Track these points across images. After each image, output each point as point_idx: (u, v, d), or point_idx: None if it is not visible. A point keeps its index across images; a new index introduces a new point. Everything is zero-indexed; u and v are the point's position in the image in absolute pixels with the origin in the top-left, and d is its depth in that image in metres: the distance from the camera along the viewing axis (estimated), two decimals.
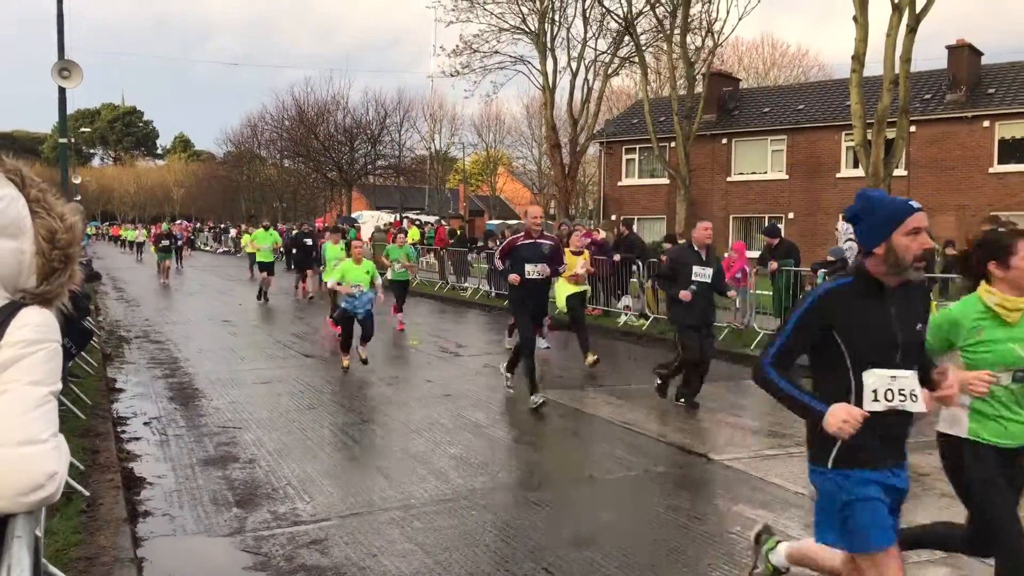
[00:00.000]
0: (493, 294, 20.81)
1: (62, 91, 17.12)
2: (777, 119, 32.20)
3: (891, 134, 20.37)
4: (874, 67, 22.61)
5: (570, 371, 11.39)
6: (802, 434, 7.39)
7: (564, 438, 7.79)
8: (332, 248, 15.49)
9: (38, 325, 1.62)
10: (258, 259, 22.61)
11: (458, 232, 29.16)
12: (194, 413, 8.43)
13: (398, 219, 39.81)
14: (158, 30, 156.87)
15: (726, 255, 16.09)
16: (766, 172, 32.35)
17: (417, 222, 37.02)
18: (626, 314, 15.58)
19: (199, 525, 5.32)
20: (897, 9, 18.95)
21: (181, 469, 6.51)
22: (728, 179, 33.08)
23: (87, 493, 5.47)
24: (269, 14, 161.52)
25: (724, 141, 33.16)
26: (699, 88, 31.06)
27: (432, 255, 27.35)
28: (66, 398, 7.57)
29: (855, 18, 19.31)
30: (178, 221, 51.15)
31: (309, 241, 21.80)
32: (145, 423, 7.98)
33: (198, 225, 59.93)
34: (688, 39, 29.69)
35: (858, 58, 19.51)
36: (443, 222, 35.84)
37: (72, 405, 7.59)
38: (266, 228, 23.70)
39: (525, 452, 7.25)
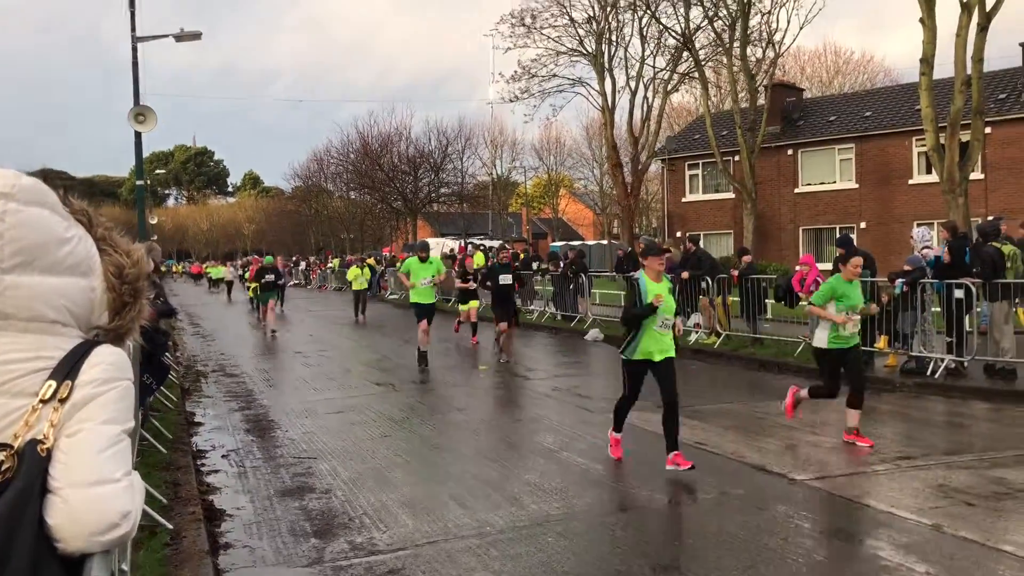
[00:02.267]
0: (559, 316, 20.72)
1: (138, 135, 17.76)
2: (844, 127, 31.51)
3: (965, 137, 19.72)
4: (944, 69, 21.97)
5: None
6: (887, 451, 7.10)
7: (638, 462, 7.65)
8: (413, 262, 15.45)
9: (111, 363, 1.63)
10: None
11: (522, 255, 29.19)
12: (270, 444, 8.55)
13: (463, 245, 40.09)
14: (225, 74, 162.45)
15: (797, 269, 15.73)
16: (835, 182, 31.63)
17: (482, 247, 37.22)
18: (696, 332, 15.32)
19: (278, 556, 5.36)
20: (966, 8, 18.39)
21: (259, 500, 6.59)
22: (796, 190, 32.44)
23: (170, 527, 5.56)
24: (328, 56, 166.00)
25: (790, 152, 32.56)
26: (762, 100, 30.64)
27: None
28: (148, 433, 7.76)
29: (922, 20, 18.80)
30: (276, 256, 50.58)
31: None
32: (223, 456, 8.12)
33: (295, 259, 58.60)
34: (748, 51, 29.37)
35: (927, 60, 18.97)
36: (507, 246, 35.95)
37: (154, 440, 7.77)
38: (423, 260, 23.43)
39: (598, 476, 7.13)
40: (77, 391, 1.56)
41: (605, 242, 53.19)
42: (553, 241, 55.54)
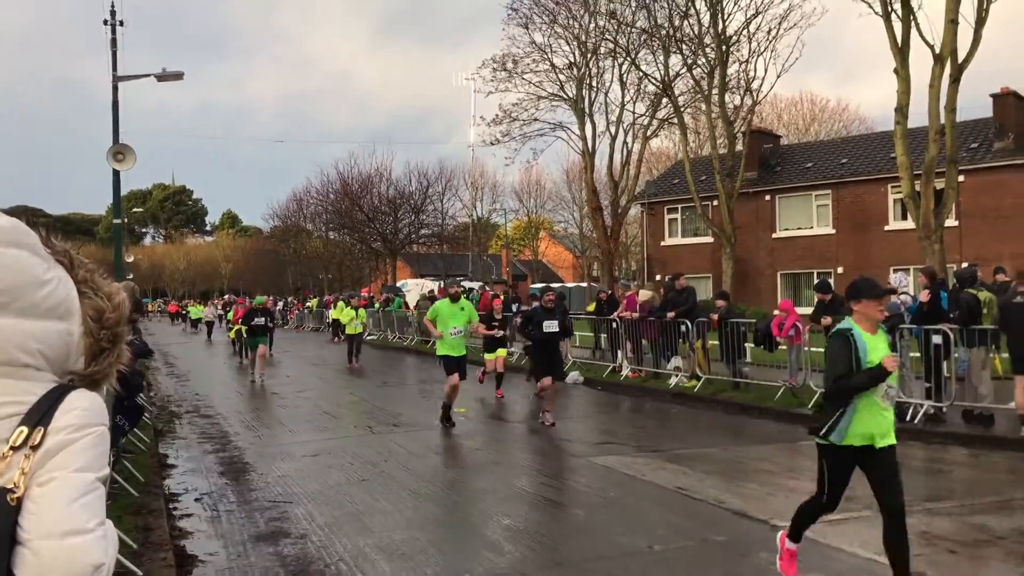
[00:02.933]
0: None
1: (116, 174, 17.70)
2: (821, 174, 32.01)
3: (940, 185, 20.07)
4: (918, 118, 22.43)
5: (618, 435, 11.15)
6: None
7: (619, 507, 7.56)
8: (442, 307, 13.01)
9: (85, 409, 1.57)
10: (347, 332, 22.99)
11: (503, 297, 29.18)
12: (244, 488, 8.38)
13: (442, 286, 40.07)
14: (202, 112, 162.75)
15: (775, 313, 15.82)
16: (812, 227, 32.04)
17: (461, 288, 37.21)
18: (676, 375, 15.31)
19: None
20: (939, 60, 18.84)
21: (233, 546, 6.43)
22: (774, 235, 32.80)
23: (140, 573, 5.40)
24: (306, 94, 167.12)
25: (767, 198, 32.98)
26: (739, 146, 31.10)
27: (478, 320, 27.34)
28: (119, 475, 7.58)
29: (896, 71, 19.24)
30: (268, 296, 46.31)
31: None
32: (196, 499, 7.95)
33: (288, 300, 55.46)
34: (727, 98, 29.87)
35: (901, 110, 19.38)
36: (487, 288, 35.96)
37: (125, 482, 7.59)
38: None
39: (580, 521, 7.03)
40: (50, 438, 1.50)
41: (585, 284, 53.40)
42: (533, 283, 55.67)
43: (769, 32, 29.53)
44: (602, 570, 5.73)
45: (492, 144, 36.14)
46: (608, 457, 9.50)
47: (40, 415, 1.52)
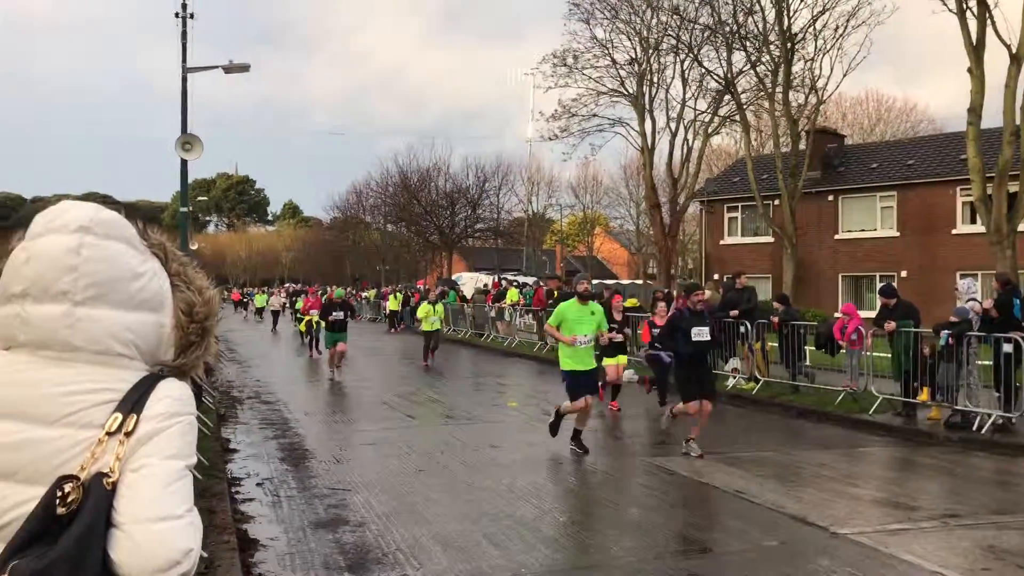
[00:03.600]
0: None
1: (184, 163, 18.11)
2: (886, 175, 31.22)
3: (1013, 188, 19.43)
4: (992, 119, 21.73)
5: (675, 436, 11.06)
6: (933, 507, 6.88)
7: (675, 507, 7.51)
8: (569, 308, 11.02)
9: (175, 399, 1.62)
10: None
11: (556, 293, 29.17)
12: (304, 474, 8.54)
13: (496, 280, 40.18)
14: (264, 105, 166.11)
15: (838, 316, 15.50)
16: (876, 229, 31.28)
17: (515, 283, 37.28)
18: (734, 377, 15.12)
19: None
20: (1016, 59, 18.22)
21: (293, 531, 6.56)
22: (836, 237, 32.11)
23: (205, 555, 5.54)
24: (364, 89, 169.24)
25: (830, 198, 32.30)
26: (803, 145, 30.51)
27: (531, 316, 27.36)
28: None
29: (970, 70, 18.67)
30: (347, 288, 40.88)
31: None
32: (258, 484, 8.12)
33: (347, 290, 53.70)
34: (791, 96, 29.31)
35: (975, 110, 18.79)
36: (541, 283, 35.97)
37: None
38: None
39: (636, 520, 7.00)
40: (142, 425, 1.56)
41: (640, 282, 53.01)
42: None
43: (836, 29, 28.86)
44: (657, 570, 5.70)
45: (550, 139, 36.05)
46: (666, 458, 9.44)
47: (133, 402, 1.57)
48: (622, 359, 13.62)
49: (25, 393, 1.55)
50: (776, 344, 14.83)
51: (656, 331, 12.97)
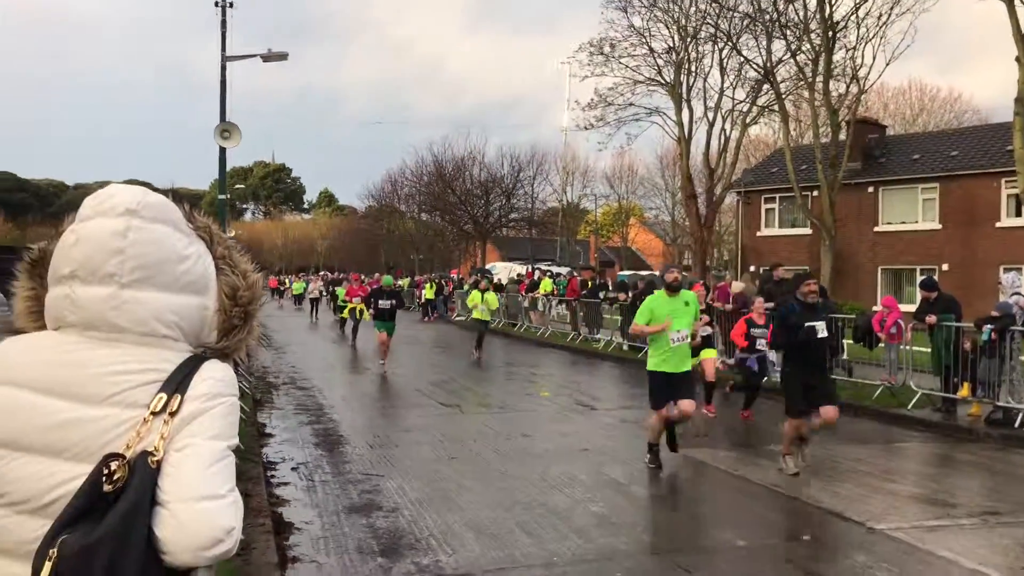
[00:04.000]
0: (626, 347, 20.51)
1: (223, 150, 18.29)
2: (928, 166, 30.63)
3: None
4: None
5: (712, 429, 10.99)
6: (972, 504, 6.77)
7: (709, 500, 7.47)
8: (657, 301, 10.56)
9: (218, 380, 1.64)
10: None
11: (590, 283, 29.09)
12: (339, 459, 8.63)
13: (530, 270, 40.17)
14: (301, 95, 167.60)
15: (876, 310, 15.28)
16: (917, 221, 30.72)
17: (549, 273, 37.22)
18: (774, 372, 14.95)
19: (346, 574, 5.38)
20: None
21: (327, 516, 6.64)
22: (876, 229, 31.60)
23: (242, 537, 5.62)
24: (399, 79, 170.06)
25: (871, 190, 31.77)
26: (843, 135, 30.02)
27: (564, 306, 27.34)
28: None
29: (1018, 59, 18.21)
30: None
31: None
32: (293, 468, 8.22)
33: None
34: (831, 86, 28.82)
35: (1021, 100, 18.34)
36: (575, 273, 35.88)
37: None
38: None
39: (668, 513, 6.98)
40: (187, 405, 1.58)
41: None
42: (621, 270, 55.23)
43: (880, 18, 28.29)
44: (690, 562, 5.68)
45: (586, 128, 35.83)
46: (700, 450, 9.39)
47: (177, 383, 1.60)
48: (711, 353, 12.09)
49: (74, 373, 1.58)
50: None
51: (756, 331, 11.62)
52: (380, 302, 16.58)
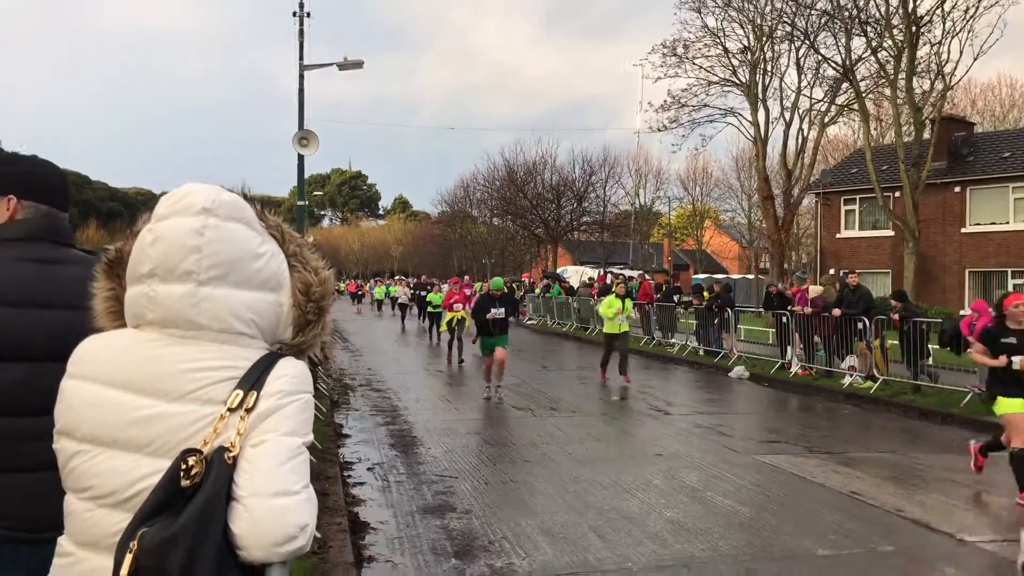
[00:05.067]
0: (701, 351, 20.19)
1: (301, 158, 18.71)
2: (1020, 164, 29.32)
3: None
4: None
5: (787, 434, 10.72)
6: None
7: (786, 507, 7.27)
8: None
9: (293, 376, 1.66)
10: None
11: (664, 287, 28.75)
12: (413, 460, 8.71)
13: (603, 274, 39.91)
14: (375, 103, 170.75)
15: (964, 313, 14.69)
16: (1008, 222, 29.44)
17: (621, 276, 36.93)
18: (851, 375, 14.53)
19: (420, 574, 5.41)
20: None
21: (402, 516, 6.70)
22: (963, 230, 30.42)
23: (319, 535, 5.72)
24: (470, 86, 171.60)
25: (957, 190, 30.61)
26: (927, 134, 28.99)
27: (637, 310, 27.07)
28: None
29: None
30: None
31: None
32: (369, 468, 8.33)
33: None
34: (914, 83, 27.86)
35: None
36: (647, 276, 35.49)
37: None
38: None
39: (744, 519, 6.82)
40: (262, 402, 1.60)
41: (751, 276, 51.64)
42: (695, 273, 54.47)
43: (966, 11, 27.22)
44: (766, 570, 5.54)
45: (659, 131, 35.39)
46: (776, 456, 9.17)
47: (253, 380, 1.62)
48: None
49: (154, 370, 1.62)
50: (896, 342, 14.17)
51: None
52: (492, 310, 13.24)
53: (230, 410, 1.58)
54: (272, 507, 1.51)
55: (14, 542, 2.12)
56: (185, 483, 1.51)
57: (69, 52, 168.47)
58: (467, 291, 23.51)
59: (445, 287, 25.97)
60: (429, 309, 24.80)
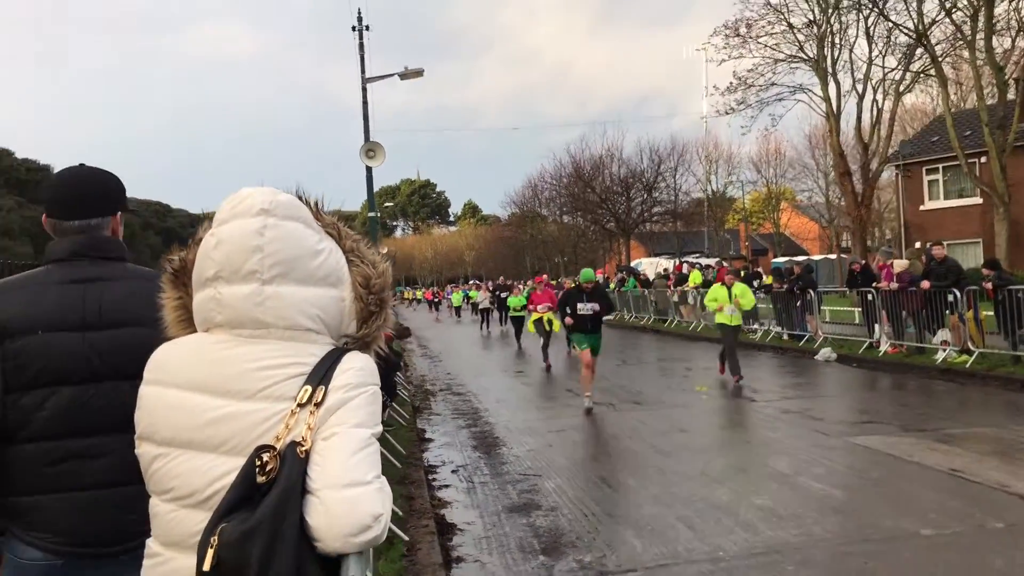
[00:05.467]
0: (785, 335, 19.73)
1: (369, 170, 19.03)
2: None
3: None
4: None
5: (879, 414, 10.38)
6: None
7: (882, 488, 7.02)
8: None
9: (359, 369, 1.68)
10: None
11: (743, 273, 28.18)
12: (496, 461, 8.73)
13: (678, 263, 39.41)
14: (436, 112, 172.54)
15: None
16: None
17: (697, 265, 36.36)
18: (944, 350, 13.99)
19: (508, 572, 5.41)
20: None
21: (488, 516, 6.72)
22: None
23: (407, 538, 5.79)
24: (530, 87, 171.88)
25: None
26: (1011, 94, 27.72)
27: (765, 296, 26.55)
28: (383, 446, 8.17)
29: None
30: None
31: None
32: (453, 471, 8.39)
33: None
34: (994, 42, 26.68)
35: None
36: (724, 263, 34.87)
37: (388, 454, 8.17)
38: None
39: (838, 503, 6.61)
40: (331, 395, 1.62)
41: (833, 256, 50.22)
42: (775, 257, 53.27)
43: None
44: (865, 553, 5.36)
45: (727, 113, 34.92)
46: (869, 437, 8.88)
47: (321, 375, 1.64)
48: None
49: (225, 370, 1.66)
50: (991, 313, 13.58)
51: None
52: (580, 306, 11.69)
53: (300, 406, 1.61)
54: (345, 498, 1.53)
55: (75, 557, 2.19)
56: (260, 479, 1.53)
57: (138, 82, 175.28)
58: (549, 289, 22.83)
59: (526, 288, 25.43)
60: (511, 313, 23.88)
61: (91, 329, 2.23)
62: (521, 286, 27.79)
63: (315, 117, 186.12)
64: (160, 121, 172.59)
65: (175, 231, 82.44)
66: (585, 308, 11.64)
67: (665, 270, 37.37)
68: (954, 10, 27.48)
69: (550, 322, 17.40)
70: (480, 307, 32.89)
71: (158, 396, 1.69)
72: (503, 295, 29.76)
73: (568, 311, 11.86)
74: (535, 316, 18.02)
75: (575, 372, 15.88)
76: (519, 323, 21.61)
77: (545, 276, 31.69)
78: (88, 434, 2.19)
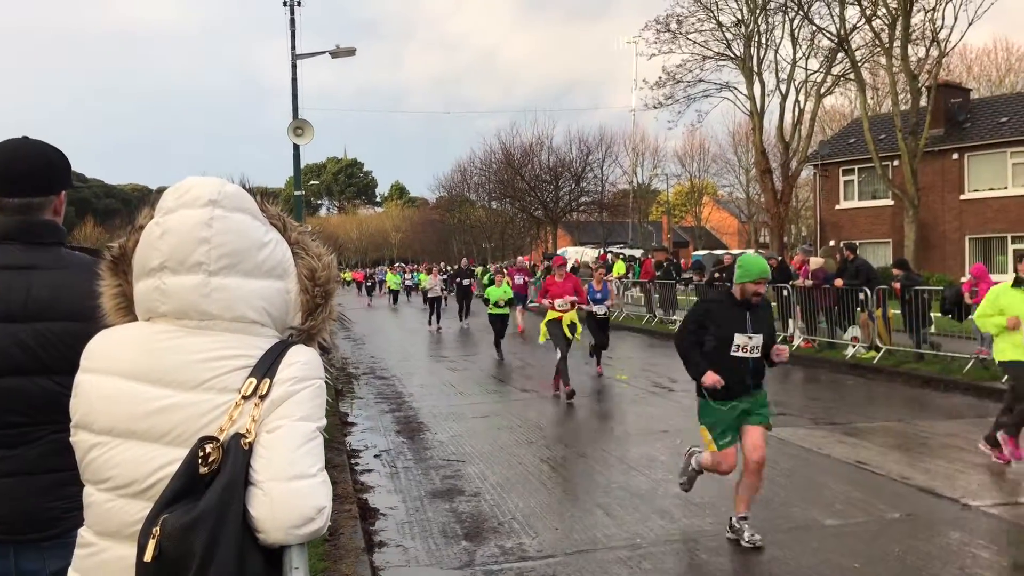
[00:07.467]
0: None
1: (296, 148, 18.66)
2: (1018, 129, 29.26)
3: None
4: None
5: (791, 407, 10.78)
6: None
7: (792, 479, 7.33)
8: None
9: (305, 363, 1.69)
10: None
11: (664, 264, 28.75)
12: (420, 446, 8.76)
13: (603, 253, 39.91)
14: (364, 93, 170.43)
15: (964, 280, 14.71)
16: (1006, 188, 29.43)
17: (622, 256, 36.91)
18: (854, 346, 14.58)
19: (431, 557, 5.47)
20: None
21: (411, 501, 6.75)
22: (962, 197, 30.39)
23: (329, 523, 5.76)
24: (457, 73, 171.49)
25: (955, 156, 30.55)
26: (924, 101, 28.90)
27: (638, 288, 27.11)
28: None
29: None
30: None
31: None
32: (376, 456, 8.39)
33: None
34: (910, 50, 27.74)
35: None
36: (649, 255, 35.50)
37: None
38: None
39: None
40: (276, 388, 1.63)
41: (751, 251, 51.63)
42: (695, 250, 54.43)
43: None
44: (775, 542, 5.59)
45: (655, 108, 35.39)
46: (782, 429, 9.19)
47: (266, 368, 1.65)
48: None
49: (169, 361, 1.65)
50: (898, 311, 14.21)
51: None
52: (739, 338, 5.79)
53: (244, 398, 1.61)
54: (290, 490, 1.55)
55: None
56: (203, 470, 1.54)
57: (59, 49, 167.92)
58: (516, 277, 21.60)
59: (515, 275, 21.55)
60: (491, 310, 17.22)
61: (15, 321, 2.14)
62: (505, 271, 21.95)
63: (239, 91, 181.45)
64: (79, 88, 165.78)
65: (89, 201, 79.32)
66: (751, 343, 5.73)
67: (595, 259, 37.76)
68: (874, 18, 28.46)
69: (572, 326, 12.03)
70: (430, 296, 25.05)
71: (96, 384, 1.67)
72: (465, 282, 25.14)
73: (702, 345, 5.80)
74: (552, 315, 12.03)
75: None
76: (501, 323, 16.93)
77: (563, 259, 20.56)
78: (7, 426, 2.14)
